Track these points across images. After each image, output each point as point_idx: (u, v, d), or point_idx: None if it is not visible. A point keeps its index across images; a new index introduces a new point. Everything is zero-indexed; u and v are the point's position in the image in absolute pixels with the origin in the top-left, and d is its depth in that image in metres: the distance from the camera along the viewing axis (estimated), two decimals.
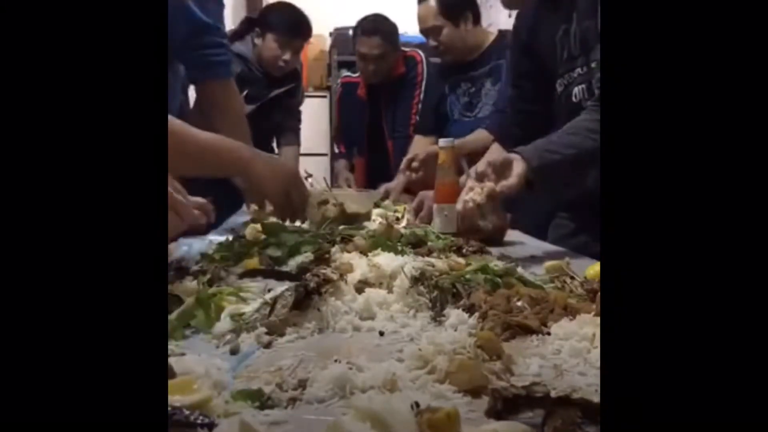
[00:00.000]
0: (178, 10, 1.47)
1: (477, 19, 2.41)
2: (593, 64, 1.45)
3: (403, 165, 2.10)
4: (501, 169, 1.21)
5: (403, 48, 2.88)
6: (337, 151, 3.14)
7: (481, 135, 2.15)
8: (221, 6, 1.62)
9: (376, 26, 2.72)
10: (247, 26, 2.68)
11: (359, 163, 3.03)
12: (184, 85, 2.05)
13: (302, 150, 2.98)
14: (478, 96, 2.40)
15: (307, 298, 0.80)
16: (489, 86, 2.37)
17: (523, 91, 1.70)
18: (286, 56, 2.62)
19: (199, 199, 1.19)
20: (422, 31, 2.44)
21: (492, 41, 2.41)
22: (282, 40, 2.58)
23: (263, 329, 0.74)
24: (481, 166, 1.25)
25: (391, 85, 2.82)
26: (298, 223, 1.53)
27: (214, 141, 1.23)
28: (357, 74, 3.01)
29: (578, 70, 1.49)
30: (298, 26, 2.64)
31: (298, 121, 2.94)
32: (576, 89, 1.50)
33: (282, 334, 0.74)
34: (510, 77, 1.88)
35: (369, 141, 2.94)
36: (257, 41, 2.62)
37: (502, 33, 2.42)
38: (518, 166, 1.20)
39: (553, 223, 1.58)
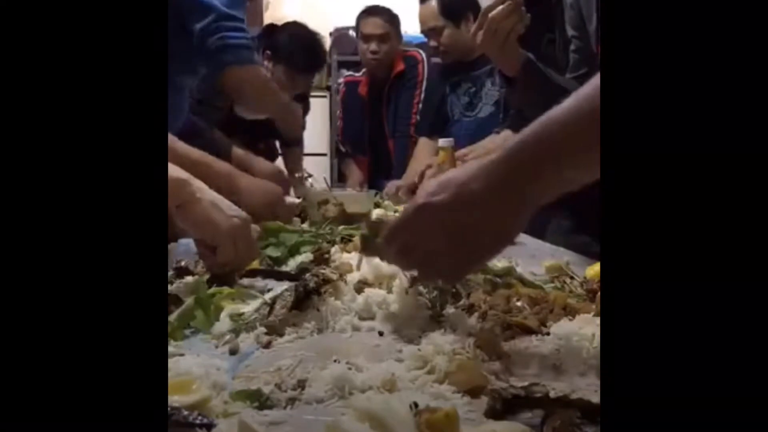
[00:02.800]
0: (195, 6, 1.47)
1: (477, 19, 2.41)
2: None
3: (417, 179, 2.07)
4: None
5: (403, 48, 2.89)
6: (344, 150, 3.13)
7: (493, 142, 2.08)
8: (242, 3, 1.59)
9: (380, 9, 2.79)
10: (264, 35, 2.59)
11: (362, 161, 3.04)
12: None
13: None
14: (479, 96, 2.40)
15: (306, 298, 0.79)
16: (489, 86, 2.37)
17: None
18: (297, 89, 2.51)
19: None
20: (423, 32, 2.44)
21: None
22: (294, 75, 2.46)
23: (263, 329, 0.74)
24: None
25: (391, 83, 2.83)
26: (299, 223, 1.53)
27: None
28: (359, 73, 3.01)
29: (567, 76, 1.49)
30: (312, 62, 2.51)
31: (302, 127, 2.92)
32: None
33: (281, 334, 0.74)
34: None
35: (370, 140, 2.95)
36: (267, 64, 2.45)
37: None
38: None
39: (552, 222, 1.58)
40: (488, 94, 2.38)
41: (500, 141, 1.88)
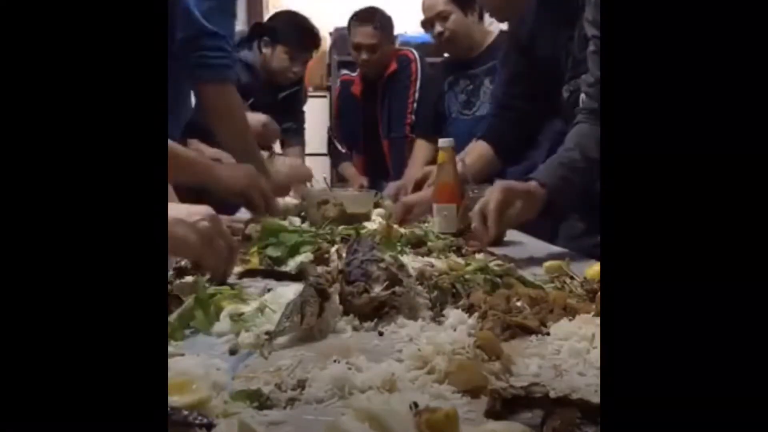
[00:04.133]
0: (180, 14, 1.48)
1: (482, 15, 2.42)
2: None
3: (415, 181, 2.05)
4: (523, 194, 1.23)
5: (396, 47, 2.89)
6: (343, 151, 3.13)
7: (477, 151, 1.92)
8: (228, 16, 1.62)
9: (371, 16, 2.76)
10: (255, 33, 2.69)
11: (357, 162, 3.03)
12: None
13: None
14: (477, 94, 2.40)
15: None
16: (488, 84, 2.37)
17: (519, 91, 1.72)
18: (296, 68, 2.65)
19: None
20: (428, 18, 2.43)
21: (492, 40, 2.41)
22: (293, 53, 2.61)
23: (285, 337, 0.72)
24: (501, 193, 1.22)
25: (384, 83, 2.83)
26: (299, 223, 1.54)
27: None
28: (355, 73, 3.01)
29: (583, 76, 1.50)
30: (309, 39, 2.66)
31: (302, 122, 2.96)
32: (582, 95, 1.51)
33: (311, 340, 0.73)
34: (506, 76, 1.87)
35: (365, 140, 2.95)
36: (265, 50, 2.63)
37: (503, 33, 2.42)
38: (538, 194, 1.22)
39: (564, 224, 1.59)
40: (487, 93, 2.37)
41: (476, 150, 1.85)
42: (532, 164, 1.62)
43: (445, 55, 2.71)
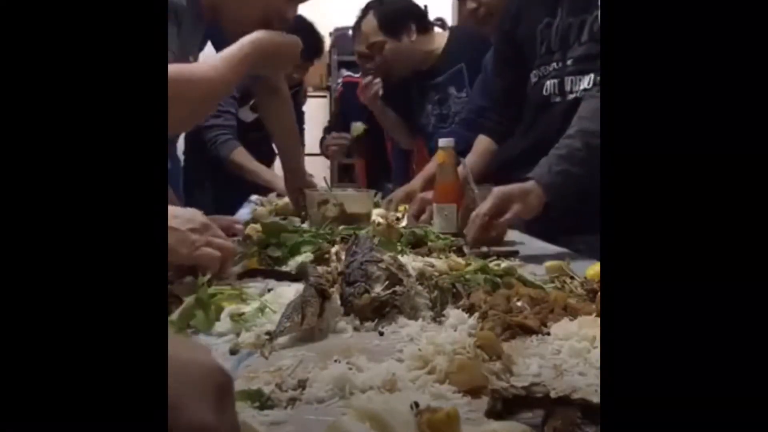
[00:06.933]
0: None
1: (423, 27, 2.36)
2: (569, 62, 1.49)
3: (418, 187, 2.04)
4: (519, 197, 1.27)
5: None
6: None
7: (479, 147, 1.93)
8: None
9: None
10: None
11: (359, 164, 3.03)
12: None
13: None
14: (447, 105, 2.36)
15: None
16: (455, 93, 2.34)
17: (507, 81, 1.72)
18: (296, 74, 2.66)
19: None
20: (367, 47, 2.36)
21: (445, 43, 2.37)
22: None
23: (286, 337, 0.72)
24: (494, 199, 1.28)
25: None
26: (299, 223, 1.54)
27: None
28: (359, 75, 3.01)
29: (554, 64, 1.53)
30: (313, 48, 2.65)
31: (301, 122, 2.96)
32: (548, 83, 1.53)
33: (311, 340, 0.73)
34: (494, 66, 1.87)
35: (369, 142, 2.94)
36: None
37: (452, 30, 2.40)
38: (535, 193, 1.26)
39: (553, 222, 1.58)
40: (457, 102, 2.34)
41: (479, 147, 1.84)
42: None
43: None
